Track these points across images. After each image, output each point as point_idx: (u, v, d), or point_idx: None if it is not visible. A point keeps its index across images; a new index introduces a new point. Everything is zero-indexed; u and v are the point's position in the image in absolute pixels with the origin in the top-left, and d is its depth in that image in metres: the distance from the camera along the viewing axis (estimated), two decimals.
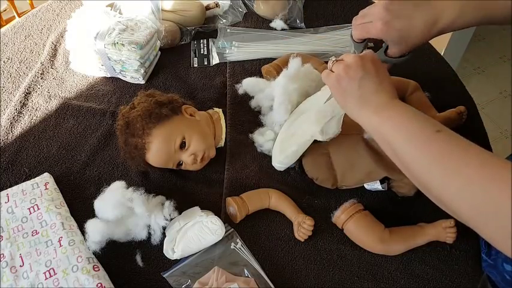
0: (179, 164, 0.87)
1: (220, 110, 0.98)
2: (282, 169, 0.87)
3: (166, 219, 0.79)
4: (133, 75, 1.06)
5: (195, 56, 1.14)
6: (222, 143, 0.93)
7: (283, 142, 0.86)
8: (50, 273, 0.73)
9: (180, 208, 0.81)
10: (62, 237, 0.76)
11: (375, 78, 0.65)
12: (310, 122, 0.80)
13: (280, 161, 0.85)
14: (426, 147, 0.56)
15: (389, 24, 0.68)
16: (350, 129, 0.80)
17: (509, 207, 0.45)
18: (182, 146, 0.84)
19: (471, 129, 0.93)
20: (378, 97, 0.64)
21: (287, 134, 0.86)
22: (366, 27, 0.72)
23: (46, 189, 0.84)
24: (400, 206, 0.83)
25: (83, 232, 0.78)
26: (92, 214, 0.79)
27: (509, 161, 0.49)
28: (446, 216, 0.77)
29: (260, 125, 0.94)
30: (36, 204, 0.81)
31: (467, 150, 0.52)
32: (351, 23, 1.19)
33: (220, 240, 0.77)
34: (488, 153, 0.51)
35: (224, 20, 1.21)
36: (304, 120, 0.84)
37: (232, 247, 0.78)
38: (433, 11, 0.68)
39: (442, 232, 0.75)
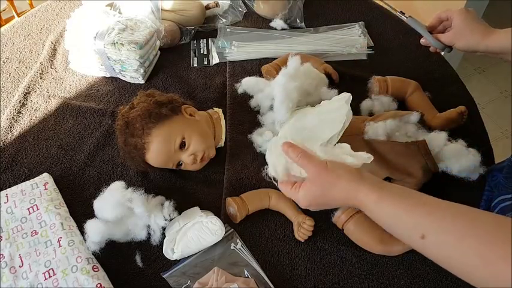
0: (179, 164, 0.86)
1: (220, 109, 0.98)
2: None
3: (166, 220, 0.79)
4: (133, 75, 1.05)
5: (195, 56, 1.13)
6: (222, 143, 0.93)
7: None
8: (49, 274, 0.72)
9: (180, 208, 0.81)
10: (61, 238, 0.76)
11: (324, 193, 0.62)
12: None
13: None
14: (418, 250, 0.55)
15: (464, 13, 0.81)
16: (350, 130, 0.79)
17: None
18: (182, 146, 0.84)
19: (472, 129, 0.93)
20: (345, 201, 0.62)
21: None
22: (448, 8, 0.85)
23: (45, 189, 0.84)
24: None
25: (82, 232, 0.78)
26: (91, 214, 0.79)
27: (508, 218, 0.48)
28: None
29: (260, 125, 0.94)
30: (36, 205, 0.81)
31: (461, 250, 0.49)
32: (351, 22, 1.21)
33: (220, 240, 0.77)
34: (487, 240, 0.47)
35: (224, 20, 1.21)
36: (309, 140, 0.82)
37: (232, 247, 0.77)
38: (489, 29, 0.80)
39: None
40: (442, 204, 0.54)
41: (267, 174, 0.71)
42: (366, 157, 0.65)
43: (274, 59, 1.06)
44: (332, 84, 0.99)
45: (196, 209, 0.81)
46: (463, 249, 0.49)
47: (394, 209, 0.56)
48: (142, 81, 1.07)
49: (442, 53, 0.87)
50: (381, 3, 1.28)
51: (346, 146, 0.67)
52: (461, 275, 0.50)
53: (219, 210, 0.83)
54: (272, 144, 0.68)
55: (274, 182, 0.70)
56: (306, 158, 0.63)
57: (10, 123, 0.98)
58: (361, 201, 0.59)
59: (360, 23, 1.20)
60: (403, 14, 0.94)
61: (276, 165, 0.68)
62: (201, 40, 1.17)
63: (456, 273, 0.51)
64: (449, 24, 0.85)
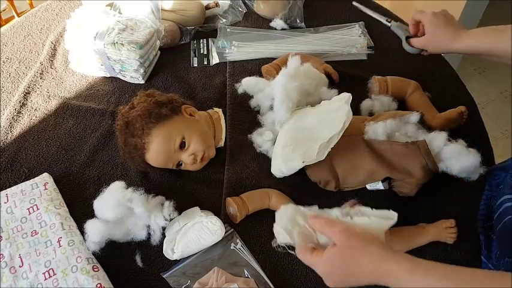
0: (179, 164, 0.86)
1: (220, 109, 0.98)
2: (281, 177, 0.86)
3: (166, 220, 0.79)
4: (133, 75, 1.05)
5: (195, 56, 1.13)
6: (222, 143, 0.93)
7: (287, 154, 0.83)
8: (49, 274, 0.72)
9: (180, 208, 0.81)
10: (61, 238, 0.76)
11: (348, 268, 0.58)
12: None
13: (284, 172, 0.84)
14: None
15: (436, 18, 0.82)
16: (350, 130, 0.80)
17: None
18: (182, 146, 0.84)
19: (472, 129, 0.93)
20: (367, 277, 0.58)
21: (289, 146, 0.84)
22: (422, 11, 0.85)
23: (45, 189, 0.84)
24: (401, 206, 0.82)
25: (82, 232, 0.78)
26: (91, 214, 0.79)
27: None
28: (446, 216, 0.77)
29: (260, 124, 0.94)
30: (36, 205, 0.81)
31: None
32: (350, 22, 1.20)
33: (220, 240, 0.77)
34: None
35: (224, 20, 1.21)
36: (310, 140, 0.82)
37: (232, 247, 0.77)
38: (461, 31, 0.81)
39: (443, 232, 0.75)
40: (478, 274, 0.52)
41: (278, 245, 0.66)
42: (391, 215, 0.62)
43: (274, 59, 1.06)
44: (332, 84, 0.99)
45: (196, 209, 0.81)
46: None
47: (428, 279, 0.52)
48: (142, 81, 1.07)
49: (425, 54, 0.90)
50: (381, 3, 1.28)
51: (367, 209, 0.66)
52: None
53: (219, 210, 0.83)
54: (281, 212, 0.67)
55: (289, 251, 0.66)
56: (331, 225, 0.60)
57: (10, 123, 0.98)
58: (391, 271, 0.54)
59: (360, 23, 1.20)
60: (389, 21, 0.96)
61: (291, 230, 0.64)
62: (201, 40, 1.17)
63: None
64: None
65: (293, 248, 0.64)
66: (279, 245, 0.66)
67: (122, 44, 0.99)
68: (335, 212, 0.66)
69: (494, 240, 0.77)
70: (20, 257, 0.75)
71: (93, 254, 0.76)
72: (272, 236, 0.80)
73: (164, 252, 0.77)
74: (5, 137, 0.96)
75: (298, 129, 0.86)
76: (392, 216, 0.62)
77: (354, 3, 1.08)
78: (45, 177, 0.87)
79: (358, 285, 0.59)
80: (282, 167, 0.83)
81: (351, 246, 0.57)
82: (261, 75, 1.04)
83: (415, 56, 0.91)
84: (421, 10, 0.87)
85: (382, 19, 0.98)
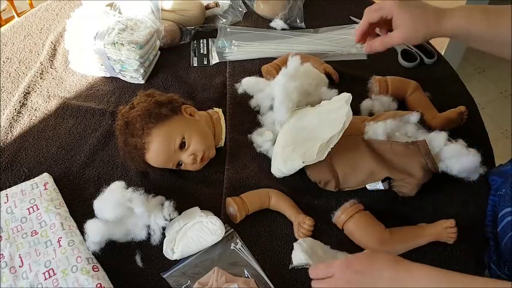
0: (179, 164, 0.86)
1: (220, 109, 0.98)
2: (281, 177, 0.86)
3: (166, 220, 0.79)
4: (133, 75, 1.05)
5: (195, 56, 1.13)
6: (222, 143, 0.93)
7: (287, 154, 0.83)
8: (49, 274, 0.72)
9: (180, 208, 0.81)
10: (61, 238, 0.76)
11: (370, 274, 0.59)
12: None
13: (284, 172, 0.84)
14: None
15: (404, 3, 0.69)
16: (350, 130, 0.80)
17: None
18: (182, 146, 0.84)
19: (472, 129, 0.93)
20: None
21: (289, 146, 0.85)
22: (379, 5, 0.72)
23: (45, 189, 0.84)
24: (401, 206, 0.82)
25: (82, 232, 0.78)
26: (91, 214, 0.79)
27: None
28: (446, 216, 0.77)
29: (260, 124, 0.94)
30: (36, 205, 0.81)
31: None
32: (351, 23, 1.21)
33: (220, 240, 0.77)
34: None
35: (224, 20, 1.21)
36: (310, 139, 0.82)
37: (232, 247, 0.77)
38: (441, 10, 0.69)
39: (443, 232, 0.75)
40: (478, 278, 0.54)
41: (295, 267, 0.73)
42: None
43: (274, 59, 1.06)
44: (332, 84, 0.99)
45: (196, 209, 0.81)
46: None
47: (426, 274, 0.55)
48: (142, 81, 1.07)
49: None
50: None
51: None
52: None
53: (219, 210, 0.83)
54: (301, 240, 0.75)
55: (306, 267, 0.72)
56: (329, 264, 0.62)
57: (10, 123, 0.98)
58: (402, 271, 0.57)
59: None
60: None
61: (310, 255, 0.71)
62: (201, 40, 1.17)
63: None
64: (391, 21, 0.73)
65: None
66: (295, 267, 0.73)
67: (122, 44, 0.99)
68: None
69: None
70: (20, 257, 0.75)
71: (93, 254, 0.76)
72: (272, 236, 0.80)
73: (164, 252, 0.77)
74: (5, 137, 0.96)
75: (298, 129, 0.86)
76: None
77: (351, 17, 1.11)
78: (45, 177, 0.87)
79: None
80: (282, 167, 0.83)
81: (375, 258, 0.59)
82: (261, 75, 1.04)
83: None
84: (374, 4, 0.74)
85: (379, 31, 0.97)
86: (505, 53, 0.68)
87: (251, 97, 0.99)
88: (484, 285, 0.53)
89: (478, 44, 0.71)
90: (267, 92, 0.96)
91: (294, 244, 0.75)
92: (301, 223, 0.78)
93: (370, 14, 0.74)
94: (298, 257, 0.72)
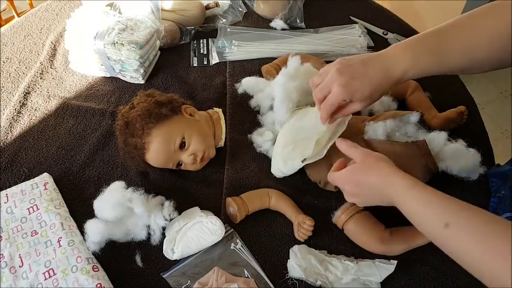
0: (179, 164, 0.86)
1: (220, 109, 0.98)
2: (281, 177, 0.86)
3: (166, 220, 0.79)
4: (133, 75, 1.05)
5: (195, 56, 1.13)
6: (222, 143, 0.93)
7: (287, 154, 0.84)
8: (49, 274, 0.72)
9: (180, 208, 0.81)
10: (61, 238, 0.76)
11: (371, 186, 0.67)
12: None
13: (284, 172, 0.84)
14: (436, 242, 0.58)
15: (348, 85, 0.69)
16: (350, 130, 0.80)
17: None
18: (182, 146, 0.84)
19: (472, 129, 0.93)
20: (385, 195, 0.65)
21: (289, 146, 0.85)
22: (330, 100, 0.71)
23: (45, 189, 0.84)
24: None
25: (82, 232, 0.78)
26: (91, 214, 0.79)
27: None
28: None
29: (260, 124, 0.94)
30: (36, 205, 0.81)
31: (482, 243, 0.52)
32: (350, 23, 1.21)
33: (220, 240, 0.77)
34: (507, 239, 0.50)
35: (224, 20, 1.21)
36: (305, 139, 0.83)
37: (232, 247, 0.77)
38: (384, 62, 0.69)
39: None
40: (468, 204, 0.57)
41: (291, 278, 0.74)
42: None
43: (274, 59, 1.06)
44: None
45: (196, 209, 0.81)
46: (484, 243, 0.51)
47: (426, 195, 0.59)
48: (142, 81, 1.07)
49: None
50: (381, 3, 1.28)
51: None
52: (473, 268, 0.53)
53: (219, 210, 0.83)
54: (295, 249, 0.76)
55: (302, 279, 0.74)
56: (355, 146, 0.70)
57: (10, 123, 0.98)
58: (396, 186, 0.62)
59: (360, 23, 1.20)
60: (385, 34, 0.95)
61: (305, 268, 0.74)
62: (201, 40, 1.17)
63: (468, 267, 0.54)
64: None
65: (305, 283, 0.73)
66: (292, 278, 0.74)
67: (122, 44, 0.99)
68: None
69: None
70: (20, 257, 0.75)
71: (93, 254, 0.76)
72: (272, 236, 0.80)
73: (164, 252, 0.77)
74: (5, 137, 0.96)
75: (298, 129, 0.86)
76: None
77: (351, 17, 1.13)
78: (45, 177, 0.87)
79: (368, 200, 0.68)
80: (282, 167, 0.83)
81: (366, 161, 0.67)
82: (261, 75, 1.04)
83: None
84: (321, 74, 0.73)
85: (379, 31, 0.98)
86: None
87: (251, 97, 0.99)
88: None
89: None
90: (267, 92, 0.96)
91: (290, 251, 0.76)
92: (301, 223, 0.78)
93: (327, 109, 0.73)
94: (295, 269, 0.74)
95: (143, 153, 0.84)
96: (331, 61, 1.06)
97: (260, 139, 0.90)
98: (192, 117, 0.89)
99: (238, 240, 0.78)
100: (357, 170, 0.67)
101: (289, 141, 0.85)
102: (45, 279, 0.72)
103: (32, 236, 0.77)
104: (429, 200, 0.58)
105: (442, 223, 0.55)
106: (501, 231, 0.51)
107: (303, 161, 0.79)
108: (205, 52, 1.14)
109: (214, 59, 1.12)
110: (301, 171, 0.84)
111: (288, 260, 0.76)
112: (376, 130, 0.81)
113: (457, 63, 0.67)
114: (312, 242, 0.78)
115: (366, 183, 0.66)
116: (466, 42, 0.66)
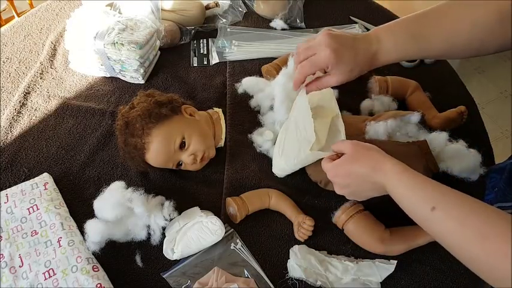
0: (179, 164, 0.86)
1: (220, 109, 0.98)
2: (282, 177, 0.86)
3: (166, 220, 0.79)
4: (133, 75, 1.05)
5: (195, 56, 1.13)
6: (222, 143, 0.93)
7: (288, 152, 0.84)
8: (49, 274, 0.72)
9: (180, 208, 0.81)
10: (61, 238, 0.76)
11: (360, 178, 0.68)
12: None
13: (286, 169, 0.84)
14: (424, 226, 0.61)
15: (337, 51, 0.67)
16: (351, 130, 0.79)
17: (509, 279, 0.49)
18: (182, 146, 0.84)
19: (472, 129, 0.93)
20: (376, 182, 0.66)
21: (291, 144, 0.85)
22: (313, 60, 0.69)
23: (45, 189, 0.84)
24: None
25: (82, 232, 0.78)
26: (91, 214, 0.79)
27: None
28: None
29: (260, 124, 0.94)
30: (36, 205, 0.81)
31: (464, 225, 0.54)
32: (350, 23, 1.21)
33: (220, 240, 0.77)
34: (488, 221, 0.52)
35: (224, 20, 1.21)
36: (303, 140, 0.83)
37: (232, 247, 0.77)
38: (368, 43, 0.69)
39: None
40: (454, 190, 0.58)
41: (291, 278, 0.75)
42: None
43: (274, 59, 1.06)
44: None
45: (196, 209, 0.81)
46: (466, 225, 0.53)
47: (414, 180, 0.61)
48: (142, 81, 1.07)
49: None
50: (381, 3, 1.28)
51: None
52: (458, 252, 0.55)
53: (219, 210, 0.83)
54: (295, 249, 0.77)
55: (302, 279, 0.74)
56: (344, 141, 0.71)
57: (10, 123, 0.98)
58: (386, 171, 0.63)
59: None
60: None
61: (305, 268, 0.74)
62: (201, 40, 1.17)
63: (453, 251, 0.56)
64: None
65: (305, 283, 0.74)
66: (292, 278, 0.74)
67: (122, 44, 0.99)
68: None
69: None
70: (20, 257, 0.75)
71: (93, 254, 0.76)
72: (272, 236, 0.80)
73: (164, 252, 0.77)
74: (5, 137, 0.96)
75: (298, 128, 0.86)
76: None
77: (351, 17, 1.13)
78: (45, 177, 0.87)
79: (358, 189, 0.69)
80: (284, 163, 0.83)
81: (355, 151, 0.67)
82: (261, 75, 1.04)
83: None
84: (305, 49, 0.71)
85: None
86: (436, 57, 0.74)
87: (251, 97, 0.99)
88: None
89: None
90: (267, 92, 0.96)
91: (290, 251, 0.76)
92: (301, 223, 0.78)
93: (305, 69, 0.71)
94: (295, 270, 0.74)
95: (143, 153, 0.84)
96: None
97: (260, 139, 0.90)
98: (192, 117, 0.89)
99: (238, 240, 0.78)
100: (347, 160, 0.67)
101: (290, 139, 0.84)
102: (45, 279, 0.72)
103: (32, 236, 0.77)
104: (417, 185, 0.60)
105: (429, 207, 0.57)
106: (484, 214, 0.53)
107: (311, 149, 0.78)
108: (205, 52, 1.14)
109: (214, 59, 1.12)
110: (301, 171, 0.84)
111: (288, 260, 0.76)
112: (377, 130, 0.81)
113: (438, 49, 0.69)
114: (312, 242, 0.78)
115: (356, 172, 0.66)
116: (448, 28, 0.66)
